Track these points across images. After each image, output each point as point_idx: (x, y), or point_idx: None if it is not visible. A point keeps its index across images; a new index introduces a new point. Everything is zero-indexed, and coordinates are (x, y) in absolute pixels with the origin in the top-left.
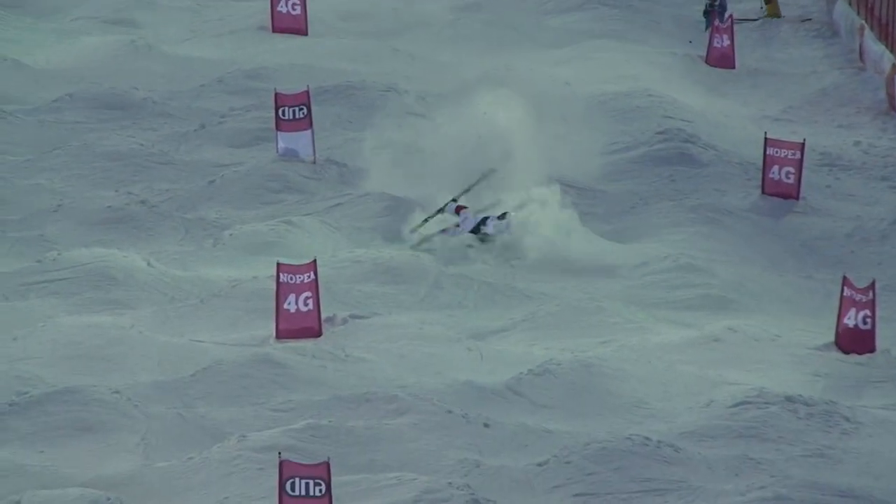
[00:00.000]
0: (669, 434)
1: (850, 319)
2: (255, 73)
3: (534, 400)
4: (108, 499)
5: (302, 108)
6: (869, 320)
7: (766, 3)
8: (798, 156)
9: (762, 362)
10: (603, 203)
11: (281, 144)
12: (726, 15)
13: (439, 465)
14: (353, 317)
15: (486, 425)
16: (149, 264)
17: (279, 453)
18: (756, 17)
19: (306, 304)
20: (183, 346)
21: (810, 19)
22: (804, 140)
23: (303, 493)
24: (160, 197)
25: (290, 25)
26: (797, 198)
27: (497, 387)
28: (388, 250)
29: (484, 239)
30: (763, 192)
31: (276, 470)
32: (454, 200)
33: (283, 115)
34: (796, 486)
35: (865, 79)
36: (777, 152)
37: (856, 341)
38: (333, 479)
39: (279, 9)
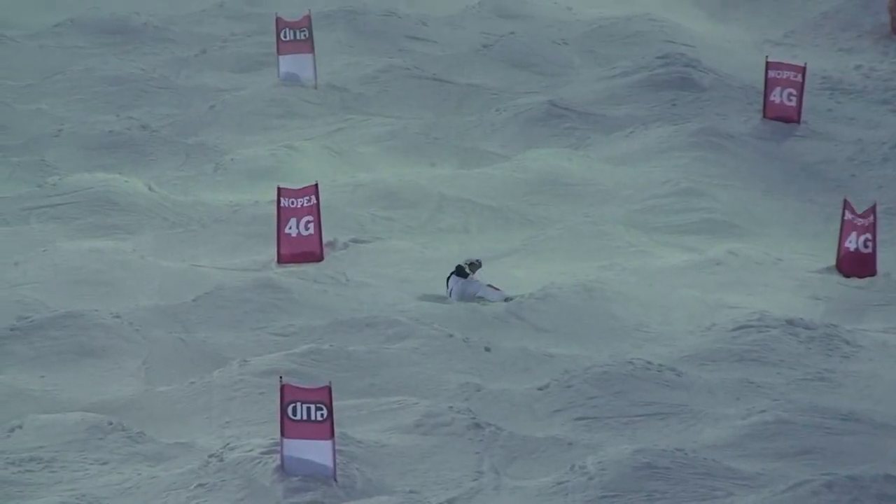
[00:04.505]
0: (670, 358)
1: (851, 243)
2: None
3: (535, 324)
4: (110, 423)
5: (304, 31)
6: (870, 244)
7: None
8: (800, 78)
9: (763, 286)
10: (603, 127)
11: (282, 69)
12: None
13: (440, 389)
14: (355, 241)
15: (487, 349)
16: (150, 189)
17: (280, 377)
18: None
19: (307, 228)
20: (184, 272)
21: None
22: (805, 63)
23: (305, 416)
24: (161, 122)
25: None
26: (798, 121)
27: (498, 311)
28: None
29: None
30: (764, 116)
31: (278, 394)
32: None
33: (285, 36)
34: (797, 410)
35: (867, 2)
36: (779, 74)
37: (857, 265)
38: (335, 404)
39: None
